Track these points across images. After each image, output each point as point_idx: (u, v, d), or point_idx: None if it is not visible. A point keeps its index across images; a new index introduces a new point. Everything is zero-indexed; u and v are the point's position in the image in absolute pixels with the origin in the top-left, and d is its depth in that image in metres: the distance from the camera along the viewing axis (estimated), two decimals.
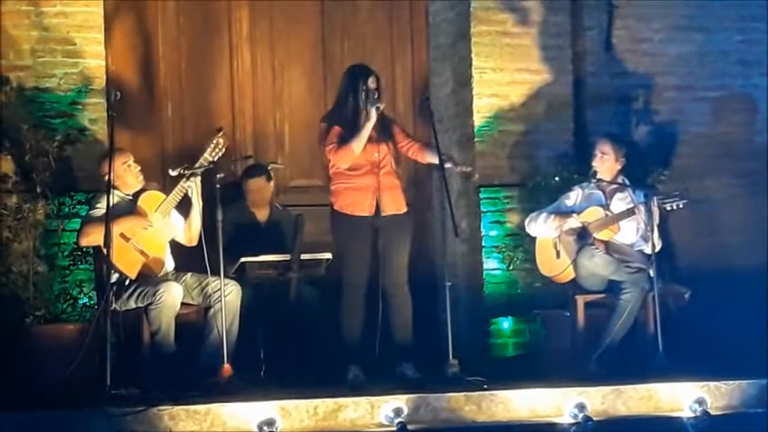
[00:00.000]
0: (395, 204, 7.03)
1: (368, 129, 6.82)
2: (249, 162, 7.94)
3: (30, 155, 7.14)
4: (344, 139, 6.85)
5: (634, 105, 8.49)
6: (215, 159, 6.87)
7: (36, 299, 7.10)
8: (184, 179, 6.85)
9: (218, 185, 6.84)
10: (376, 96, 6.85)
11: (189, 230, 7.01)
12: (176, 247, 7.14)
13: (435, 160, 6.90)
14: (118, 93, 6.88)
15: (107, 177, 6.72)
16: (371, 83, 6.91)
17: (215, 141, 6.87)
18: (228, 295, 6.85)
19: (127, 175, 7.03)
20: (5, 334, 6.83)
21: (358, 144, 6.84)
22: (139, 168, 7.06)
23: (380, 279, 6.97)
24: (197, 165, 6.84)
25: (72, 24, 7.63)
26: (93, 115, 7.59)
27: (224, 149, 6.93)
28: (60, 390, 6.42)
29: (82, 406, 6.09)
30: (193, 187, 6.88)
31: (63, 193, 7.26)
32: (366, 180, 6.94)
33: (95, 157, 7.24)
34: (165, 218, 6.96)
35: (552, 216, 7.46)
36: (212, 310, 6.89)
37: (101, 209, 6.77)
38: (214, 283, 6.81)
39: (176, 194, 6.91)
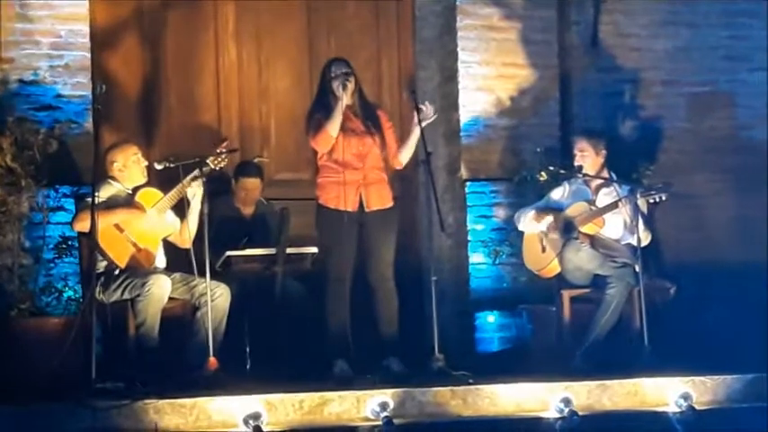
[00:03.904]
0: (380, 199, 7.02)
1: (339, 109, 6.86)
2: (234, 154, 7.88)
3: (14, 148, 7.11)
4: (321, 125, 6.89)
5: (620, 100, 8.50)
6: (217, 168, 6.99)
7: (21, 292, 7.06)
8: (187, 180, 6.86)
9: (204, 179, 6.85)
10: (343, 78, 6.89)
11: (185, 231, 6.98)
12: (166, 248, 7.14)
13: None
14: (103, 86, 6.88)
15: (112, 167, 6.98)
16: (337, 68, 6.96)
17: (218, 151, 6.98)
18: (219, 298, 6.85)
19: (134, 168, 7.04)
20: None
21: (332, 126, 6.86)
22: (146, 164, 7.06)
23: (366, 273, 6.98)
24: (200, 170, 6.86)
25: (58, 17, 7.59)
26: (79, 108, 7.57)
27: (227, 160, 7.07)
28: (45, 383, 6.39)
29: (67, 399, 6.05)
30: (197, 191, 6.89)
31: (48, 186, 7.22)
32: (350, 175, 6.94)
33: (80, 150, 7.24)
34: (161, 215, 6.96)
35: (532, 213, 7.46)
36: (200, 312, 6.85)
37: (99, 197, 6.79)
38: (204, 284, 6.79)
39: (175, 194, 6.93)
